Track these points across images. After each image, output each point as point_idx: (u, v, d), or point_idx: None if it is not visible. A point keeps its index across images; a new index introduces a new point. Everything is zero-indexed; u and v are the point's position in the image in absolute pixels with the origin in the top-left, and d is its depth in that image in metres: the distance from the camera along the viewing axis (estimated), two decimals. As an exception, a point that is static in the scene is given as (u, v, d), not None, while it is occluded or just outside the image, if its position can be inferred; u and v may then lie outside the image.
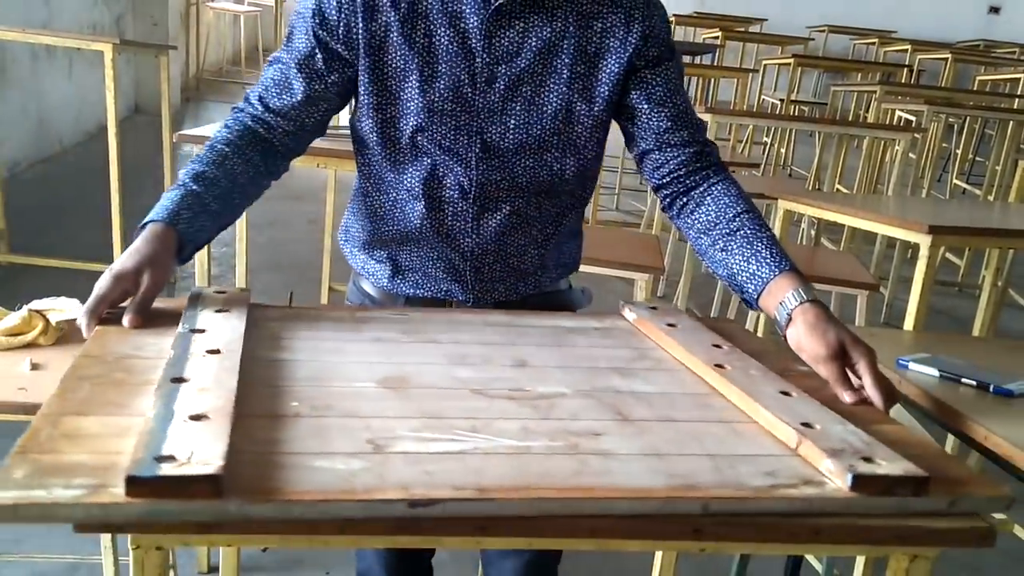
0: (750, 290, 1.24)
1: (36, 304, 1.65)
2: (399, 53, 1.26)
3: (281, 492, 0.73)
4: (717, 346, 1.17)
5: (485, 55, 1.26)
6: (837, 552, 0.93)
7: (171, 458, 0.72)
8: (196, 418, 0.81)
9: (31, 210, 4.56)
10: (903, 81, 7.82)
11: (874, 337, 1.67)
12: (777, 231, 2.84)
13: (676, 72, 1.34)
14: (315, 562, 2.25)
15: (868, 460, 0.85)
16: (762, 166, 6.74)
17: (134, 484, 0.69)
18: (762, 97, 8.60)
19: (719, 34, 8.60)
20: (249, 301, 1.20)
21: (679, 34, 9.23)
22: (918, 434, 1.00)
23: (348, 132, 1.40)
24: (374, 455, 0.81)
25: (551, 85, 1.28)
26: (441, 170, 1.30)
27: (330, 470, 0.77)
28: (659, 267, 2.69)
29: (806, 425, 0.92)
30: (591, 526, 0.78)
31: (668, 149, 1.33)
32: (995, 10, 11.63)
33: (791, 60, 7.38)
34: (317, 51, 1.28)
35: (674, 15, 8.42)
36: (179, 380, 0.89)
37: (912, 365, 1.44)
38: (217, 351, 0.99)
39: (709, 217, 1.31)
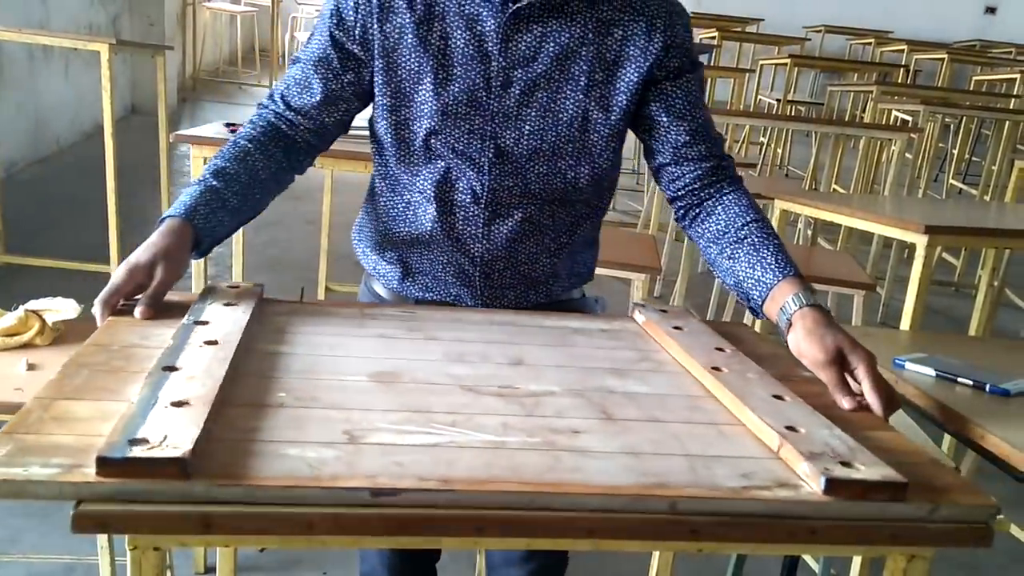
0: (755, 296, 1.23)
1: (32, 304, 1.65)
2: (414, 55, 1.25)
3: (247, 477, 0.75)
4: (720, 349, 1.17)
5: (501, 59, 1.24)
6: (834, 552, 0.93)
7: (144, 441, 0.75)
8: (177, 404, 0.83)
9: (27, 210, 4.55)
10: (899, 81, 7.84)
11: (870, 337, 1.67)
12: (774, 231, 2.84)
13: (697, 84, 1.32)
14: (312, 563, 2.25)
15: (846, 464, 0.84)
16: (759, 166, 6.74)
17: (105, 465, 0.72)
18: (759, 97, 8.61)
19: (716, 34, 8.60)
20: (260, 296, 1.22)
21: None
22: (913, 441, 1.00)
23: (347, 132, 1.41)
24: (347, 445, 0.82)
25: (567, 92, 1.26)
26: (454, 174, 1.29)
27: (300, 458, 0.79)
28: (656, 267, 2.70)
29: (790, 428, 0.92)
30: (588, 526, 0.78)
31: (685, 163, 1.32)
32: (991, 10, 11.64)
33: (788, 60, 7.39)
34: (333, 51, 1.28)
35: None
36: (170, 368, 0.91)
37: (908, 365, 1.44)
38: (214, 342, 1.00)
39: (719, 226, 1.30)
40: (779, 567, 1.91)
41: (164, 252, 1.14)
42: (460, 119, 1.26)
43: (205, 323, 1.07)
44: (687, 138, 1.31)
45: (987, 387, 1.36)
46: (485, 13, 1.23)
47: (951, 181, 6.87)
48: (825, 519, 0.81)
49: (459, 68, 1.24)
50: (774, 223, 2.82)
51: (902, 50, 9.14)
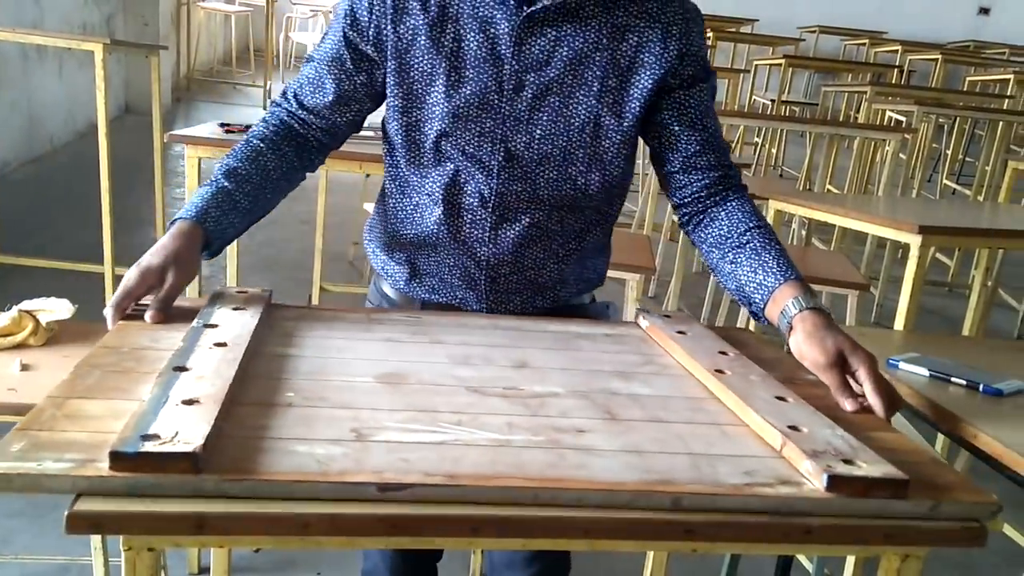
0: (756, 300, 1.23)
1: (26, 305, 1.65)
2: (426, 57, 1.25)
3: (257, 472, 0.77)
4: (723, 353, 1.18)
5: (514, 62, 1.24)
6: (828, 552, 0.93)
7: (156, 437, 0.77)
8: (188, 403, 0.85)
9: (21, 210, 4.54)
10: (893, 82, 7.86)
11: (864, 337, 1.67)
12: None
13: (709, 93, 1.32)
14: (307, 564, 2.25)
15: (848, 462, 0.85)
16: (753, 166, 6.76)
17: (117, 459, 0.74)
18: (753, 97, 8.61)
19: (710, 34, 8.60)
20: (268, 300, 1.24)
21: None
22: (915, 441, 1.00)
23: (359, 132, 1.42)
24: (355, 443, 0.84)
25: (580, 97, 1.26)
26: (463, 176, 1.28)
27: (309, 454, 0.81)
28: (650, 267, 2.70)
29: (793, 428, 0.93)
30: (584, 526, 0.78)
31: (693, 172, 1.32)
32: (985, 11, 11.67)
33: (782, 60, 7.40)
34: (347, 52, 1.28)
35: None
36: (181, 369, 0.94)
37: (902, 365, 1.44)
38: (224, 344, 1.02)
39: (721, 232, 1.30)
40: (773, 567, 1.91)
41: (175, 255, 1.16)
42: (471, 122, 1.25)
43: (215, 326, 1.09)
44: (697, 148, 1.30)
45: (980, 387, 1.37)
46: (499, 16, 1.23)
47: (945, 181, 6.88)
48: (826, 516, 0.82)
49: (471, 70, 1.24)
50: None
51: (896, 51, 9.16)
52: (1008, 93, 7.26)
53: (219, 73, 9.44)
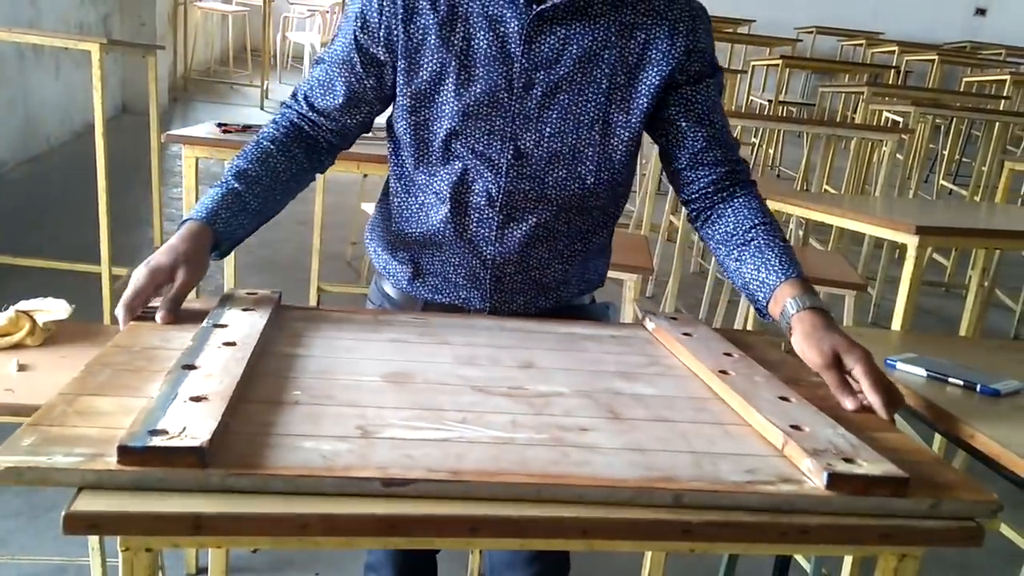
0: (759, 298, 1.24)
1: (23, 305, 1.64)
2: (436, 56, 1.25)
3: (263, 467, 0.78)
4: (728, 354, 1.18)
5: (524, 60, 1.24)
6: (825, 552, 0.94)
7: (164, 432, 0.78)
8: (196, 399, 0.86)
9: (17, 210, 4.53)
10: (890, 82, 7.86)
11: (862, 337, 1.67)
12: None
13: (716, 89, 1.33)
14: (304, 564, 2.24)
15: (849, 460, 0.86)
16: (750, 166, 6.76)
17: (125, 453, 0.75)
18: (750, 98, 8.62)
19: (708, 35, 8.60)
20: (277, 302, 1.25)
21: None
22: (917, 441, 1.01)
23: (368, 132, 1.43)
24: (360, 439, 0.85)
25: (589, 94, 1.26)
26: (471, 175, 1.29)
27: (314, 450, 0.82)
28: (648, 267, 2.70)
29: (795, 427, 0.93)
30: (582, 526, 0.78)
31: (701, 168, 1.33)
32: (981, 12, 11.69)
33: (779, 61, 7.40)
34: (357, 55, 1.29)
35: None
36: (190, 367, 0.95)
37: (900, 365, 1.44)
38: (232, 343, 1.04)
39: (727, 229, 1.31)
40: (771, 568, 1.91)
41: (185, 255, 1.16)
42: (481, 120, 1.26)
43: (224, 326, 1.10)
44: (704, 144, 1.31)
45: (978, 387, 1.37)
46: (509, 15, 1.23)
47: (941, 182, 6.89)
48: (826, 514, 0.82)
49: (481, 69, 1.25)
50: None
51: (893, 51, 9.17)
52: (1004, 94, 7.27)
53: (216, 73, 9.44)
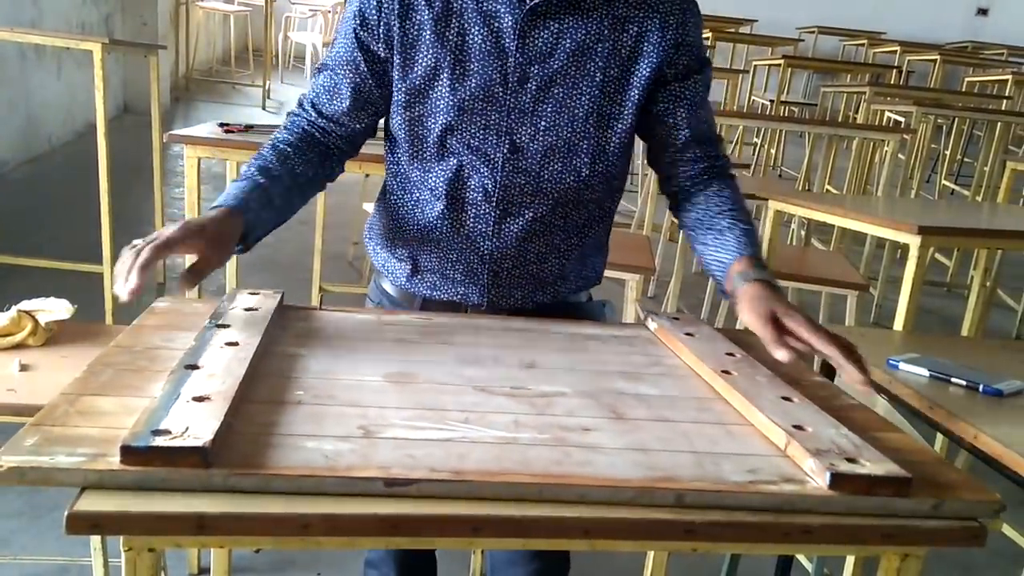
0: (719, 277, 1.28)
1: (25, 305, 1.65)
2: (431, 51, 1.26)
3: (266, 466, 0.78)
4: (730, 354, 1.19)
5: (518, 55, 1.25)
6: (828, 552, 0.94)
7: (167, 432, 0.78)
8: (199, 399, 0.86)
9: (19, 210, 4.54)
10: (892, 82, 7.85)
11: (864, 337, 1.68)
12: (767, 232, 2.85)
13: (704, 85, 1.34)
14: (306, 564, 2.24)
15: (852, 461, 0.86)
16: (752, 167, 6.76)
17: (128, 453, 0.75)
18: (752, 98, 8.62)
19: (709, 35, 8.60)
20: (280, 302, 1.25)
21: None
22: (919, 441, 1.01)
23: (373, 137, 1.43)
24: (362, 439, 0.86)
25: (583, 88, 1.27)
26: (467, 171, 1.30)
27: (317, 450, 0.82)
28: (650, 267, 2.70)
29: (798, 427, 0.93)
30: (584, 526, 0.78)
31: (682, 164, 1.36)
32: (983, 11, 11.68)
33: (781, 61, 7.40)
34: (359, 53, 1.29)
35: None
36: (192, 367, 0.95)
37: (902, 365, 1.44)
38: (235, 343, 1.04)
39: (697, 215, 1.34)
40: (773, 568, 1.91)
41: (218, 234, 1.12)
42: (476, 115, 1.27)
43: (226, 326, 1.10)
44: (686, 140, 1.34)
45: (980, 387, 1.37)
46: (503, 10, 1.24)
47: (943, 182, 6.88)
48: (829, 514, 0.82)
49: (476, 64, 1.25)
50: (768, 224, 2.83)
51: (895, 51, 9.16)
52: (1006, 94, 7.27)
53: (218, 73, 9.44)
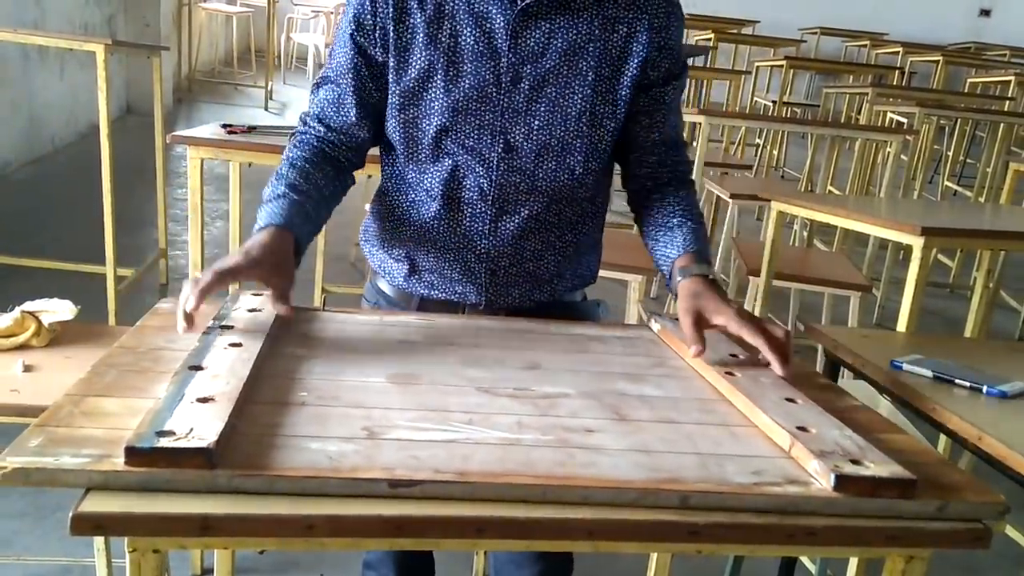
0: (664, 271, 1.32)
1: (28, 305, 1.65)
2: (424, 54, 1.27)
3: (270, 468, 0.78)
4: (733, 355, 1.19)
5: (511, 55, 1.26)
6: (832, 554, 0.94)
7: (171, 433, 0.79)
8: (203, 400, 0.87)
9: (22, 211, 4.54)
10: (894, 83, 7.85)
11: (867, 339, 1.67)
12: (770, 232, 2.85)
13: (679, 90, 1.37)
14: (309, 565, 2.25)
15: (856, 462, 0.86)
16: (754, 168, 6.76)
17: (132, 454, 0.75)
18: (754, 99, 8.61)
19: (711, 36, 8.61)
20: None
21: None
22: (923, 443, 1.01)
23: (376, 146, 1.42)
24: (366, 440, 0.86)
25: (575, 87, 1.29)
26: (462, 171, 1.31)
27: (320, 451, 0.82)
28: (652, 268, 2.69)
29: (801, 429, 0.93)
30: (588, 528, 0.78)
31: (646, 165, 1.40)
32: (986, 12, 11.67)
33: (783, 62, 7.39)
34: (359, 58, 1.30)
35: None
36: (196, 368, 0.95)
37: (906, 366, 1.44)
38: (239, 344, 1.04)
39: (652, 215, 1.38)
40: (776, 569, 1.91)
41: (279, 259, 1.15)
42: (470, 115, 1.28)
43: (230, 327, 1.10)
44: (655, 142, 1.38)
45: (984, 389, 1.37)
46: (494, 11, 1.25)
47: (946, 183, 6.88)
48: (833, 516, 0.82)
49: (469, 65, 1.26)
50: (770, 225, 2.83)
51: (897, 52, 9.16)
52: (1009, 95, 7.26)
53: (220, 74, 9.45)
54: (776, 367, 1.12)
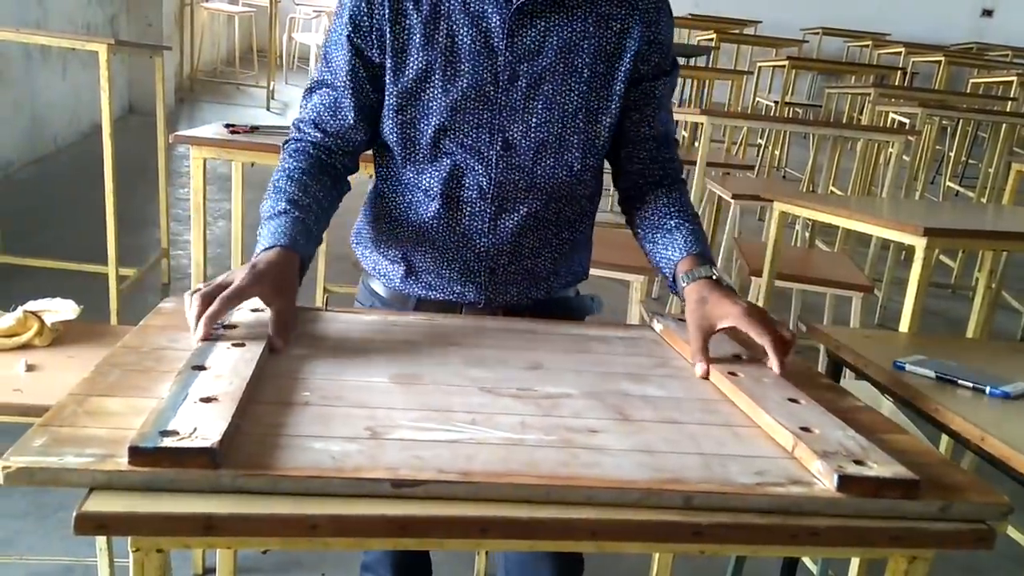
0: (667, 274, 1.32)
1: (31, 305, 1.65)
2: (421, 54, 1.27)
3: (273, 467, 0.78)
4: (736, 355, 1.19)
5: (508, 54, 1.27)
6: (835, 554, 0.94)
7: (175, 432, 0.79)
8: (206, 400, 0.87)
9: (25, 210, 4.55)
10: (897, 84, 7.84)
11: (870, 339, 1.67)
12: (772, 233, 2.85)
13: (669, 87, 1.38)
14: (312, 564, 2.25)
15: (859, 463, 0.86)
16: (756, 168, 6.76)
17: (136, 454, 0.75)
18: (756, 99, 8.61)
19: (713, 36, 8.61)
20: None
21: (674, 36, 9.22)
22: (925, 443, 1.01)
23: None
24: (369, 440, 0.86)
25: (572, 84, 1.30)
26: (461, 170, 1.31)
27: (324, 451, 0.82)
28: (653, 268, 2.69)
29: (805, 429, 0.93)
30: (592, 528, 0.78)
31: (637, 162, 1.40)
32: (988, 13, 11.67)
33: (785, 62, 7.39)
34: (357, 60, 1.29)
35: (669, 17, 8.38)
36: (199, 368, 0.95)
37: (909, 367, 1.44)
38: (242, 344, 1.04)
39: (647, 215, 1.38)
40: (778, 569, 1.91)
41: (284, 279, 1.14)
42: (469, 114, 1.28)
43: (233, 327, 1.10)
44: (646, 138, 1.38)
45: (987, 389, 1.37)
46: (490, 10, 1.26)
47: (948, 183, 6.88)
48: (836, 516, 0.82)
49: (466, 64, 1.27)
50: (772, 225, 2.82)
51: (899, 52, 9.16)
52: (1011, 95, 7.25)
53: (223, 74, 9.46)
54: (773, 364, 1.13)
